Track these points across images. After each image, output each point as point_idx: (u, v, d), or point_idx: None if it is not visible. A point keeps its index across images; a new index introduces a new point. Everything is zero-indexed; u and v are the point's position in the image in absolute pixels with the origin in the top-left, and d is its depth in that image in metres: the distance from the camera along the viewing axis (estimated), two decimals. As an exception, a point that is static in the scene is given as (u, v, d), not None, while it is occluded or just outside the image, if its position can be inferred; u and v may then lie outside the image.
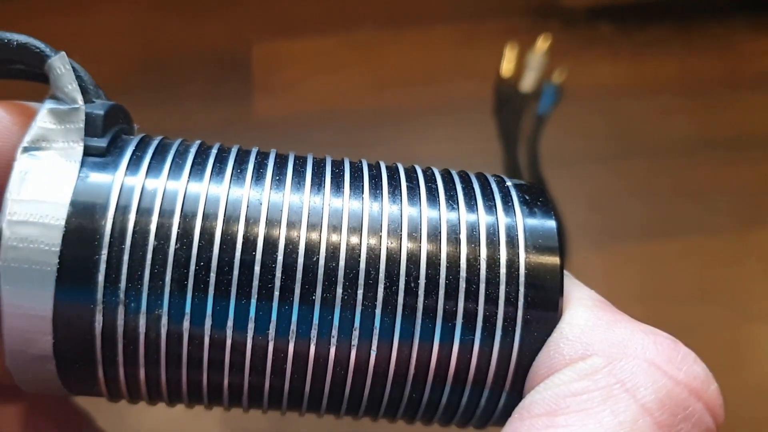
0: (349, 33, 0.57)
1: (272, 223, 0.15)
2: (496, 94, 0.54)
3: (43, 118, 0.15)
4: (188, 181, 0.15)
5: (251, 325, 0.14)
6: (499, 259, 0.15)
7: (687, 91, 0.55)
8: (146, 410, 0.43)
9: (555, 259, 0.16)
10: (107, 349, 0.14)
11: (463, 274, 0.15)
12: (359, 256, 0.15)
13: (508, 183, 0.17)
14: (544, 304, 0.15)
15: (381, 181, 0.16)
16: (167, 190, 0.15)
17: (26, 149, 0.14)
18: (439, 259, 0.15)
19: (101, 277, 0.14)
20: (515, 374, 0.16)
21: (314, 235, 0.15)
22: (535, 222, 0.16)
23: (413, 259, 0.15)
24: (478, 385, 0.16)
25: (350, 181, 0.16)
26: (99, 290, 0.14)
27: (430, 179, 0.17)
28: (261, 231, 0.14)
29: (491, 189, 0.17)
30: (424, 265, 0.15)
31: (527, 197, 0.17)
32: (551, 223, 0.16)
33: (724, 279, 0.49)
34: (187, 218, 0.14)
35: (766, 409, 0.44)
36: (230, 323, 0.14)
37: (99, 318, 0.14)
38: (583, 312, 0.16)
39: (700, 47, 0.57)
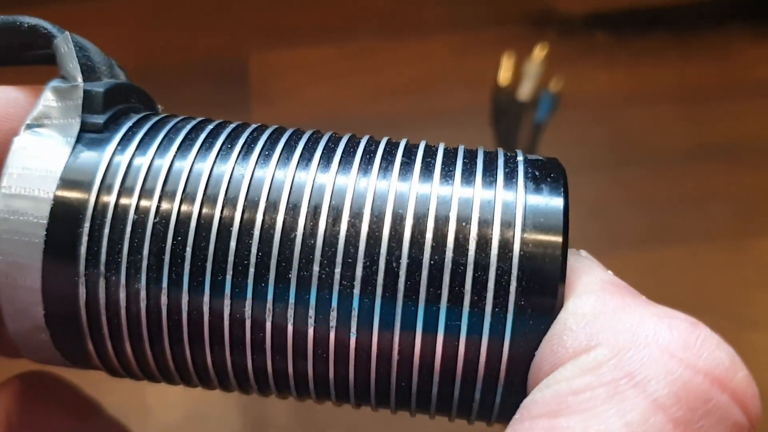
0: (347, 42, 0.57)
1: (252, 198, 0.14)
2: (494, 102, 0.54)
3: (47, 96, 0.15)
4: (174, 157, 0.15)
5: (227, 302, 0.14)
6: (492, 238, 0.14)
7: (684, 99, 0.56)
8: (165, 405, 0.43)
9: (556, 240, 0.14)
10: (92, 322, 0.15)
11: (449, 254, 0.14)
12: (338, 233, 0.14)
13: (519, 158, 0.16)
14: (540, 291, 0.14)
15: (375, 156, 0.15)
16: (152, 166, 0.15)
17: (29, 126, 0.15)
18: (424, 238, 0.14)
19: (83, 250, 0.14)
20: (509, 367, 0.14)
21: (293, 212, 0.14)
22: (538, 199, 0.15)
23: (396, 237, 0.14)
24: (469, 377, 0.14)
25: (341, 156, 0.15)
26: (81, 263, 0.14)
27: (429, 153, 0.15)
28: (239, 206, 0.14)
29: (496, 164, 0.15)
30: (407, 244, 0.14)
31: (537, 173, 0.15)
32: (558, 201, 0.15)
33: (722, 286, 0.49)
34: (167, 194, 0.14)
35: (764, 417, 0.44)
36: (206, 299, 0.14)
37: (82, 290, 0.14)
38: (590, 298, 0.14)
39: (697, 56, 0.57)
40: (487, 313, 0.14)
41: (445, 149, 0.16)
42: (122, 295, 0.14)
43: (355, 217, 0.14)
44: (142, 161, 0.15)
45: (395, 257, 0.14)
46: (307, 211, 0.14)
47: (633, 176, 0.53)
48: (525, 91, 0.53)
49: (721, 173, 0.53)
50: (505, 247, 0.14)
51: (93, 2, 0.52)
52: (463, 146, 0.16)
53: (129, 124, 0.15)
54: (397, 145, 0.16)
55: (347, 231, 0.14)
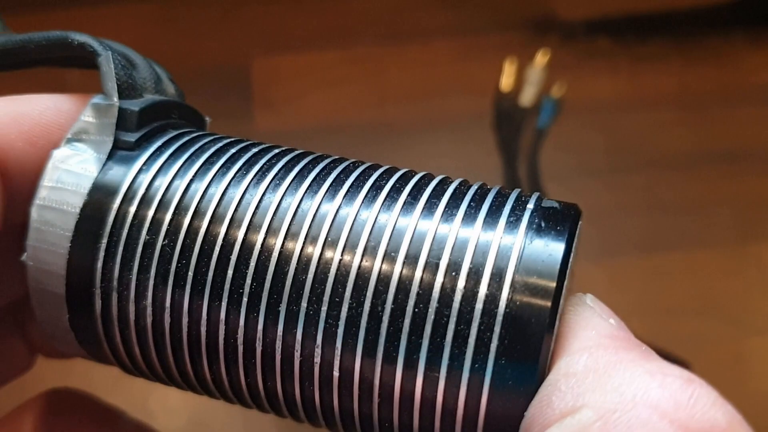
0: (349, 48, 0.57)
1: (255, 226, 0.15)
2: (496, 108, 0.54)
3: (87, 112, 0.16)
4: (191, 179, 0.15)
5: (222, 327, 0.15)
6: (479, 292, 0.14)
7: (685, 104, 0.56)
8: (168, 411, 0.43)
9: (544, 304, 0.13)
10: (107, 330, 0.16)
11: (434, 304, 0.14)
12: (329, 270, 0.14)
13: (530, 204, 0.15)
14: (522, 351, 0.13)
15: (382, 190, 0.15)
16: (169, 186, 0.15)
17: (68, 140, 0.16)
18: (411, 285, 0.14)
19: (99, 265, 0.15)
20: (487, 425, 0.14)
21: (291, 244, 0.14)
22: (537, 252, 0.14)
23: (384, 281, 0.14)
24: (447, 428, 0.14)
25: (348, 188, 0.15)
26: (97, 277, 0.15)
27: (437, 193, 0.15)
28: (241, 234, 0.14)
29: (502, 210, 0.15)
30: (393, 289, 0.14)
31: (543, 223, 0.14)
32: (555, 259, 0.14)
33: (724, 292, 0.49)
34: (179, 215, 0.15)
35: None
36: (203, 321, 0.15)
37: (98, 302, 0.15)
38: (582, 357, 0.13)
39: (698, 61, 0.57)
40: (466, 368, 0.14)
41: (456, 188, 0.15)
42: (132, 309, 0.15)
43: (348, 254, 0.14)
44: (161, 181, 0.15)
45: (381, 301, 0.14)
46: (304, 244, 0.14)
47: (634, 182, 0.53)
48: (527, 97, 0.53)
49: (723, 179, 0.53)
50: (492, 302, 0.14)
51: (95, 8, 0.52)
52: (476, 186, 0.16)
53: (158, 143, 0.16)
54: (408, 179, 0.16)
55: (337, 269, 0.14)
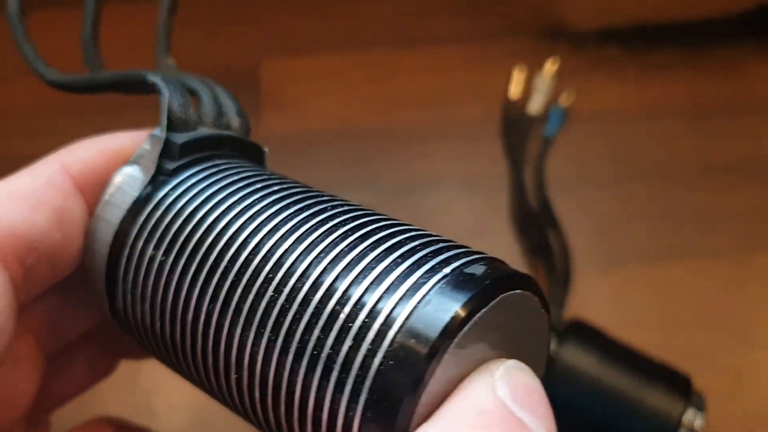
0: (359, 52, 0.57)
1: (233, 247, 0.17)
2: (504, 115, 0.54)
3: (147, 141, 0.20)
4: (192, 212, 0.18)
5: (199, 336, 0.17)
6: (362, 345, 0.14)
7: (693, 114, 0.56)
8: (170, 410, 0.43)
9: (417, 369, 0.14)
10: (125, 327, 0.19)
11: (329, 343, 0.15)
12: (265, 294, 0.16)
13: (447, 269, 0.15)
14: (384, 409, 0.14)
15: (329, 236, 0.17)
16: (178, 211, 0.18)
17: (129, 164, 0.19)
18: (317, 323, 0.15)
19: (121, 272, 0.18)
20: None
21: (258, 274, 0.16)
22: (426, 315, 0.14)
23: (298, 315, 0.15)
24: None
25: (310, 233, 0.17)
26: (119, 281, 0.18)
27: (376, 243, 0.16)
28: (226, 257, 0.17)
29: (418, 270, 0.15)
30: (305, 321, 0.15)
31: (450, 287, 0.15)
32: (440, 322, 0.14)
33: (729, 304, 0.49)
34: (181, 234, 0.17)
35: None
36: (188, 331, 0.17)
37: (120, 302, 0.19)
38: (436, 427, 0.13)
39: (707, 71, 0.57)
40: (341, 415, 0.14)
41: (395, 243, 0.16)
42: (138, 310, 0.18)
43: (287, 288, 0.16)
44: (179, 202, 0.18)
45: (296, 325, 0.15)
46: (266, 275, 0.16)
47: (641, 191, 0.53)
48: (535, 105, 0.53)
49: (730, 190, 0.53)
50: (371, 357, 0.14)
51: (113, 6, 0.52)
52: (416, 242, 0.16)
53: (192, 171, 0.19)
54: (361, 228, 0.17)
55: (272, 294, 0.16)
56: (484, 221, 0.52)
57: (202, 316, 0.16)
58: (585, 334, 0.42)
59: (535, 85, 0.54)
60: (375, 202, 0.49)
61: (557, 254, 0.48)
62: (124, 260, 0.18)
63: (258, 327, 0.16)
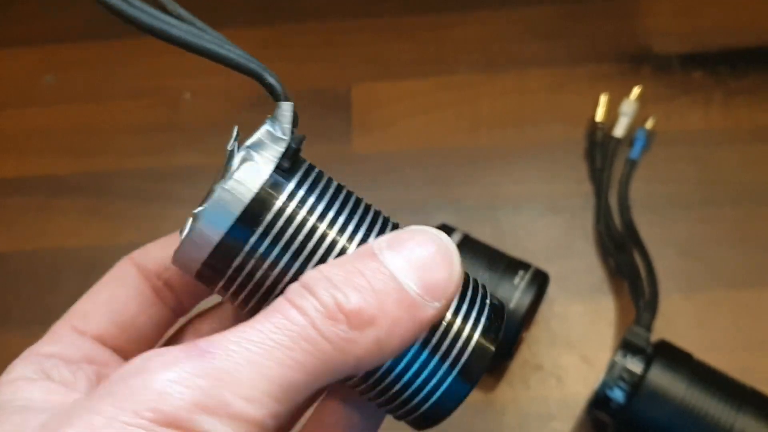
0: (445, 75, 0.59)
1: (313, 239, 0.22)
2: (589, 137, 0.55)
3: (263, 132, 0.22)
4: (307, 214, 0.22)
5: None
6: None
7: (780, 139, 0.55)
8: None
9: None
10: (231, 273, 0.22)
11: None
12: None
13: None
14: None
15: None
16: (294, 211, 0.22)
17: (247, 147, 0.21)
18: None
19: (253, 238, 0.21)
20: None
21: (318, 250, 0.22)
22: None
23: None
24: None
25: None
26: (247, 245, 0.21)
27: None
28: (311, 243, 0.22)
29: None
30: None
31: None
32: None
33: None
34: (289, 226, 0.21)
35: None
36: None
37: (240, 261, 0.21)
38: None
39: (795, 96, 0.57)
40: None
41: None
42: (251, 265, 0.22)
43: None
44: (293, 206, 0.22)
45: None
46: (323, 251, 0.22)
47: (726, 215, 0.53)
48: (620, 128, 0.54)
49: (819, 215, 0.52)
50: None
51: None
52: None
53: (299, 175, 0.22)
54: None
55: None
56: (567, 242, 0.53)
57: None
58: (673, 356, 0.43)
59: (620, 108, 0.54)
60: (459, 220, 0.51)
61: (643, 276, 0.48)
62: (259, 230, 0.21)
63: None
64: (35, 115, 0.60)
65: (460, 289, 0.21)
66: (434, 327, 0.22)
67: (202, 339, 0.18)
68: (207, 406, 0.17)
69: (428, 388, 0.22)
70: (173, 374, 0.17)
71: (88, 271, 0.55)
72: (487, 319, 0.22)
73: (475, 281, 0.24)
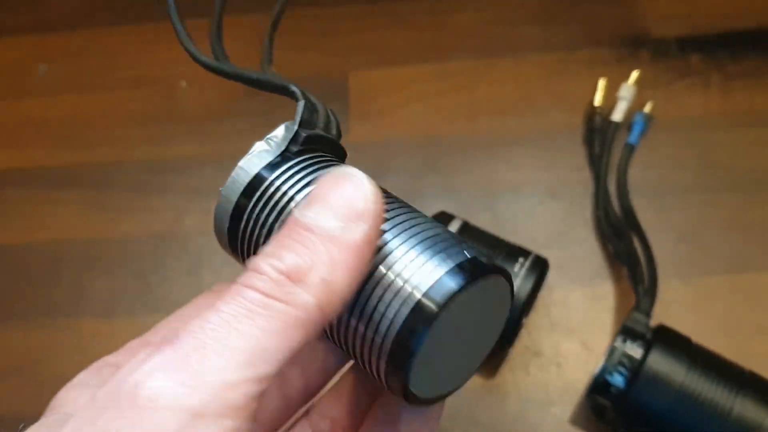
0: (442, 62, 0.58)
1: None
2: (587, 123, 0.55)
3: (281, 127, 0.25)
4: (300, 185, 0.25)
5: None
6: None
7: (778, 123, 0.55)
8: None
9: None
10: (238, 237, 0.25)
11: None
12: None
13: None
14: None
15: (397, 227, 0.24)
16: (283, 184, 0.25)
17: (266, 139, 0.25)
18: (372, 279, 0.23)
19: (249, 207, 0.25)
20: None
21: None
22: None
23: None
24: None
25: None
26: (246, 214, 0.25)
27: (418, 231, 0.23)
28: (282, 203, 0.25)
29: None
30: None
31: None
32: None
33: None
34: (277, 194, 0.25)
35: None
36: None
37: (243, 225, 0.25)
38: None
39: (793, 79, 0.57)
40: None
41: (437, 233, 0.23)
42: (252, 232, 0.25)
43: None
44: (283, 180, 0.25)
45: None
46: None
47: (725, 200, 0.53)
48: (618, 113, 0.54)
49: (817, 199, 0.52)
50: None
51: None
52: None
53: (304, 156, 0.25)
54: (418, 223, 0.24)
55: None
56: (567, 228, 0.53)
57: None
58: (673, 341, 0.43)
59: (618, 93, 0.54)
60: (458, 208, 0.51)
61: (642, 262, 0.48)
62: (252, 204, 0.25)
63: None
64: (30, 106, 0.60)
65: (382, 208, 0.21)
66: (386, 259, 0.23)
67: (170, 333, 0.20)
68: (183, 383, 0.18)
69: (388, 319, 0.22)
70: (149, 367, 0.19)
71: (88, 263, 0.55)
72: (449, 256, 0.22)
73: (448, 232, 0.24)
